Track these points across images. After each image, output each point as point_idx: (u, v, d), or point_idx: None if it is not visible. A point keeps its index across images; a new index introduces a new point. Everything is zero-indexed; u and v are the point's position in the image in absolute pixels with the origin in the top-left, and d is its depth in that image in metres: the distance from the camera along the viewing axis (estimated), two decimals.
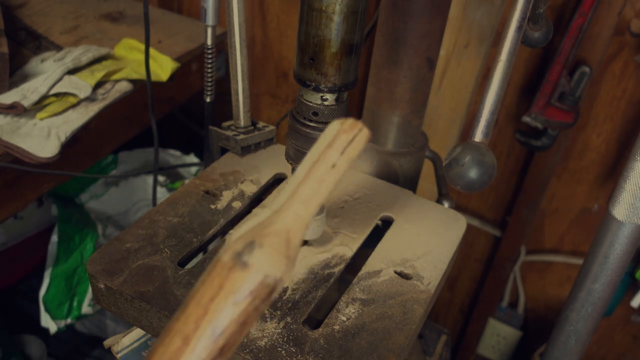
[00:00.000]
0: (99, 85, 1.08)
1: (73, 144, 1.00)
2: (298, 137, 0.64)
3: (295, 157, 0.66)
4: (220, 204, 0.79)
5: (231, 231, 0.42)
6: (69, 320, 1.24)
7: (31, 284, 1.34)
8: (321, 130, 0.63)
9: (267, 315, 0.65)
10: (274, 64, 1.49)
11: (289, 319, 0.64)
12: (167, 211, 0.77)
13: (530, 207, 1.32)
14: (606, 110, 1.20)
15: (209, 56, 0.88)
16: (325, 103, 0.62)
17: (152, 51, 1.17)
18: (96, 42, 1.23)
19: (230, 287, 0.35)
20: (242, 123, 0.88)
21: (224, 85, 1.14)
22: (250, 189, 0.83)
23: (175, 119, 1.63)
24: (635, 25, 1.10)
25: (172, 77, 1.18)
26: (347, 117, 0.43)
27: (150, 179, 1.41)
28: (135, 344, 0.79)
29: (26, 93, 0.99)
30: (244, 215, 0.79)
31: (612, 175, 1.26)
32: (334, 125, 0.43)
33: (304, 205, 0.40)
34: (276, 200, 0.41)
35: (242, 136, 0.87)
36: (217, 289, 0.35)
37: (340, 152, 0.42)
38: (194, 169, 1.47)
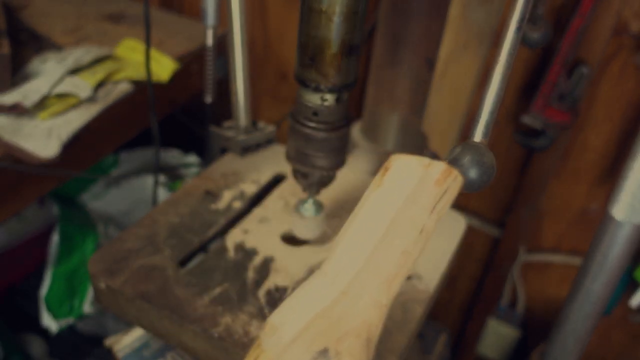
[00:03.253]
0: (100, 85, 1.08)
1: (74, 144, 1.00)
2: (298, 137, 0.65)
3: (295, 157, 0.67)
4: (221, 204, 0.80)
5: (273, 318, 0.30)
6: (70, 320, 1.24)
7: (32, 283, 1.34)
8: (321, 130, 0.63)
9: (268, 315, 0.65)
10: (274, 65, 1.49)
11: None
12: (168, 211, 0.77)
13: (529, 207, 1.33)
14: (605, 111, 1.20)
15: (210, 57, 0.88)
16: (325, 103, 0.62)
17: (152, 52, 1.17)
18: (97, 42, 1.24)
19: None
20: (242, 123, 0.89)
21: (224, 86, 1.14)
22: (251, 188, 0.83)
23: (175, 120, 1.64)
24: (634, 26, 1.10)
25: (173, 77, 1.18)
26: (431, 158, 0.32)
27: (151, 179, 1.42)
28: (136, 344, 0.79)
29: (27, 93, 1.00)
30: (244, 215, 0.79)
31: (611, 175, 1.26)
32: (415, 169, 0.31)
33: (386, 288, 0.29)
34: (336, 266, 0.29)
35: (242, 136, 0.87)
36: None
37: (430, 210, 0.30)
38: (194, 169, 1.47)
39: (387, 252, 0.29)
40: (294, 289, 0.69)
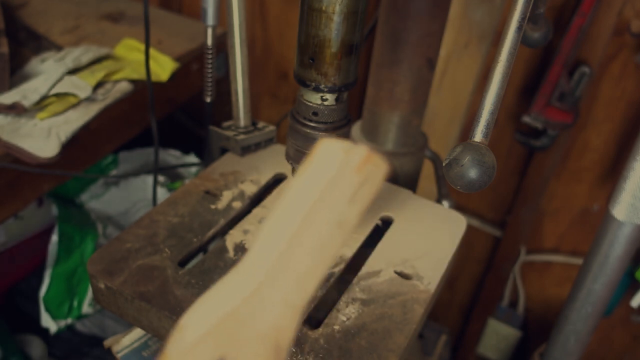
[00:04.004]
0: (99, 85, 1.08)
1: (73, 144, 1.00)
2: (298, 137, 0.65)
3: (295, 157, 0.66)
4: (221, 204, 0.79)
5: (183, 318, 0.26)
6: (69, 320, 1.24)
7: (31, 284, 1.34)
8: (321, 129, 0.63)
9: None
10: (274, 64, 1.49)
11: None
12: (167, 211, 0.77)
13: (530, 207, 1.32)
14: (606, 111, 1.20)
15: (209, 56, 0.88)
16: (325, 103, 0.62)
17: (152, 51, 1.17)
18: (96, 42, 1.23)
19: None
20: (242, 123, 0.88)
21: (224, 85, 1.14)
22: (251, 189, 0.83)
23: (175, 119, 1.63)
24: (634, 26, 1.10)
25: (173, 77, 1.18)
26: (354, 145, 0.29)
27: (150, 179, 1.41)
28: (135, 344, 0.79)
29: (26, 93, 0.99)
30: (244, 215, 0.79)
31: (612, 175, 1.26)
32: (336, 154, 0.28)
33: (300, 287, 0.26)
34: (251, 262, 0.26)
35: (242, 136, 0.87)
36: None
37: (348, 200, 0.27)
38: (194, 169, 1.47)
39: (300, 248, 0.26)
40: None
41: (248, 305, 0.26)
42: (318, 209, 0.27)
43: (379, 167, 0.28)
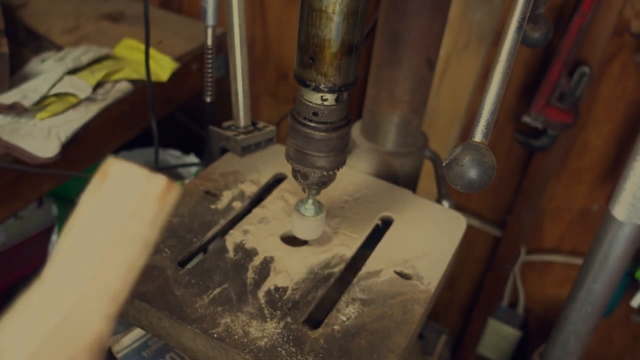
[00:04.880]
0: (99, 85, 1.08)
1: (73, 144, 1.00)
2: (298, 137, 0.65)
3: (295, 157, 0.66)
4: (221, 204, 0.79)
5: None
6: None
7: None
8: (321, 130, 0.63)
9: (267, 315, 0.65)
10: (274, 64, 1.49)
11: (289, 319, 0.64)
12: None
13: (530, 207, 1.32)
14: (606, 110, 1.20)
15: (209, 56, 0.88)
16: (325, 103, 0.62)
17: (152, 51, 1.17)
18: (96, 42, 1.23)
19: None
20: (242, 123, 0.88)
21: (224, 86, 1.14)
22: (251, 189, 0.83)
23: (175, 119, 1.63)
24: (634, 26, 1.10)
25: (173, 77, 1.18)
26: (150, 173, 0.32)
27: None
28: (135, 344, 0.79)
29: (26, 93, 0.99)
30: (244, 215, 0.79)
31: (612, 175, 1.26)
32: (136, 182, 0.31)
33: (115, 301, 0.29)
34: (58, 279, 0.28)
35: (242, 136, 0.87)
36: None
37: (152, 226, 0.31)
38: (194, 169, 1.46)
39: (113, 268, 0.29)
40: (294, 289, 0.68)
41: (70, 325, 0.27)
42: (126, 233, 0.30)
43: (176, 194, 0.32)
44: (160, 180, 0.31)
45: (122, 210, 0.30)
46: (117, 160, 0.31)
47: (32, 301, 0.28)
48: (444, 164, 0.54)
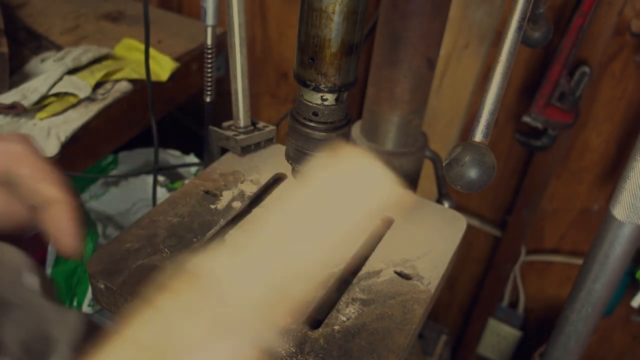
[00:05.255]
0: (98, 85, 1.08)
1: (73, 144, 1.00)
2: (298, 137, 0.64)
3: (295, 157, 0.66)
4: (220, 204, 0.79)
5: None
6: None
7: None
8: (321, 129, 0.63)
9: None
10: (274, 64, 1.49)
11: (288, 319, 0.64)
12: (167, 211, 0.77)
13: (530, 207, 1.32)
14: (606, 110, 1.20)
15: (209, 56, 0.88)
16: (325, 103, 0.62)
17: (152, 51, 1.17)
18: (96, 42, 1.23)
19: None
20: (242, 123, 0.88)
21: (224, 85, 1.14)
22: (250, 189, 0.83)
23: (175, 119, 1.63)
24: (635, 26, 1.10)
25: (172, 77, 1.18)
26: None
27: (150, 179, 1.41)
28: None
29: (26, 93, 0.99)
30: (244, 215, 0.79)
31: (612, 175, 1.26)
32: (382, 183, 0.33)
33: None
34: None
35: (242, 136, 0.87)
36: None
37: (368, 217, 0.33)
38: (194, 169, 1.46)
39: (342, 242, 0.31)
40: None
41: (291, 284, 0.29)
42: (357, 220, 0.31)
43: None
44: (396, 191, 0.33)
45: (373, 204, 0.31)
46: (365, 152, 0.32)
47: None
48: (444, 164, 0.54)
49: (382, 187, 0.32)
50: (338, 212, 0.30)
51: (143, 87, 1.12)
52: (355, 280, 0.70)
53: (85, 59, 1.10)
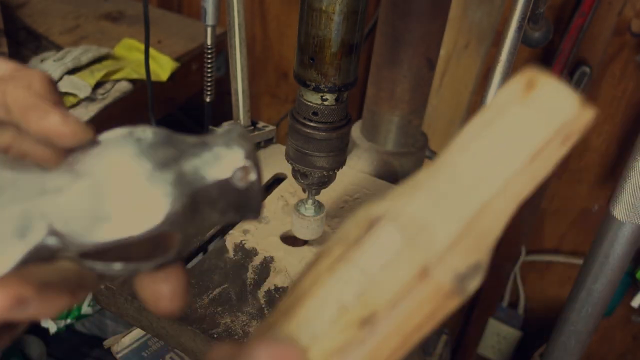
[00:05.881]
0: (98, 85, 1.07)
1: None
2: (298, 137, 0.64)
3: (295, 157, 0.66)
4: None
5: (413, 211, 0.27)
6: (68, 321, 1.24)
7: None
8: (321, 129, 0.63)
9: (268, 314, 0.65)
10: (274, 64, 1.49)
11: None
12: None
13: (530, 207, 1.32)
14: (606, 111, 1.20)
15: (209, 56, 0.88)
16: (325, 103, 0.62)
17: (152, 51, 1.17)
18: (96, 42, 1.23)
19: (441, 315, 0.26)
20: (242, 123, 0.88)
21: (224, 85, 1.14)
22: None
23: (175, 119, 1.63)
24: (635, 26, 1.10)
25: (172, 77, 1.18)
26: (582, 100, 0.29)
27: None
28: (135, 344, 0.79)
29: None
30: None
31: (612, 175, 1.26)
32: (568, 105, 0.28)
33: (514, 208, 0.29)
34: (470, 172, 0.27)
35: None
36: (427, 318, 0.26)
37: (557, 157, 0.30)
38: None
39: (522, 178, 0.28)
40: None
41: (482, 219, 0.27)
42: (538, 156, 0.28)
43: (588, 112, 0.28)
44: (589, 113, 0.28)
45: (546, 128, 0.27)
46: (545, 74, 0.28)
47: (447, 192, 0.27)
48: None
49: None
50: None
51: (143, 87, 1.12)
52: None
53: (85, 59, 1.10)
